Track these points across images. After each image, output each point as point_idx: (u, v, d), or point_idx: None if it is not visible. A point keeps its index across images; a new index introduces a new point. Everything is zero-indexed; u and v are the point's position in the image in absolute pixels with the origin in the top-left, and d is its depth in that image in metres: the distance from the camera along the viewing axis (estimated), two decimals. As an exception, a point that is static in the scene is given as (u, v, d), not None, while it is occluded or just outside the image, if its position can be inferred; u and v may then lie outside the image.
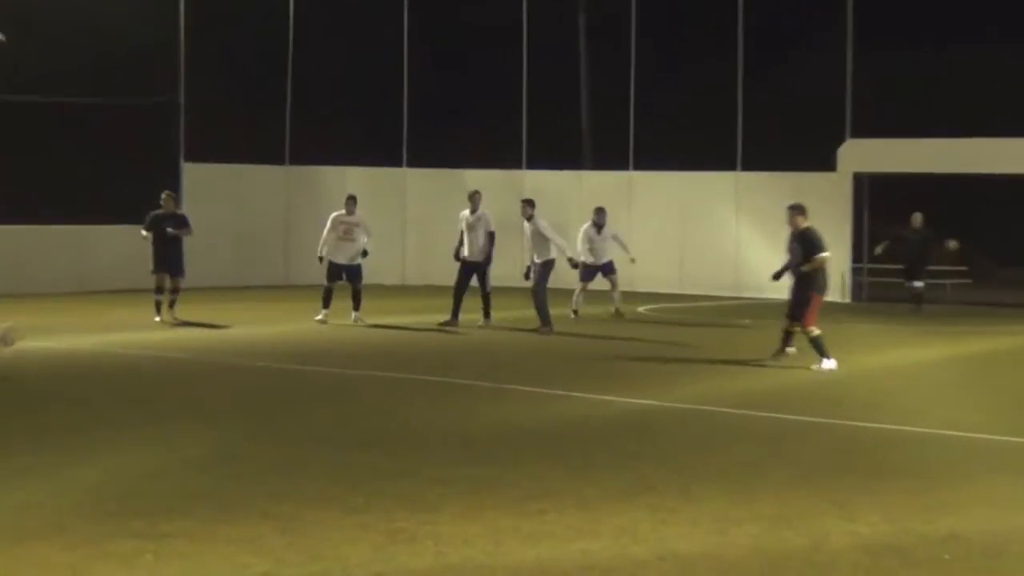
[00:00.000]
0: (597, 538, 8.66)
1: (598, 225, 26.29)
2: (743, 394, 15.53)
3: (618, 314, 25.54)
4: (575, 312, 25.47)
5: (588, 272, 25.75)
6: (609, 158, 35.95)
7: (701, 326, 24.72)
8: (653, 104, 35.44)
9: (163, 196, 24.06)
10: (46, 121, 30.27)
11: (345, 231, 23.85)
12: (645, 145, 34.18)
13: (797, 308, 18.30)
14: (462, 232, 23.72)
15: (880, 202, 33.22)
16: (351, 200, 24.16)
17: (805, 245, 18.26)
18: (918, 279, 29.02)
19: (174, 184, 31.59)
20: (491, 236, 23.61)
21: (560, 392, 15.46)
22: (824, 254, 18.22)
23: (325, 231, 23.86)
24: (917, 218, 28.97)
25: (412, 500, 9.61)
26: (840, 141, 31.79)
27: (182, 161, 32.40)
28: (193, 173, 32.51)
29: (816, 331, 18.12)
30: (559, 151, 36.61)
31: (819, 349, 18.03)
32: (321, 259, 23.83)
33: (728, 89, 33.28)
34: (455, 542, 8.49)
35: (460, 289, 23.42)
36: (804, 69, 39.68)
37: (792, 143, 34.46)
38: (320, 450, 11.70)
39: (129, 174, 29.34)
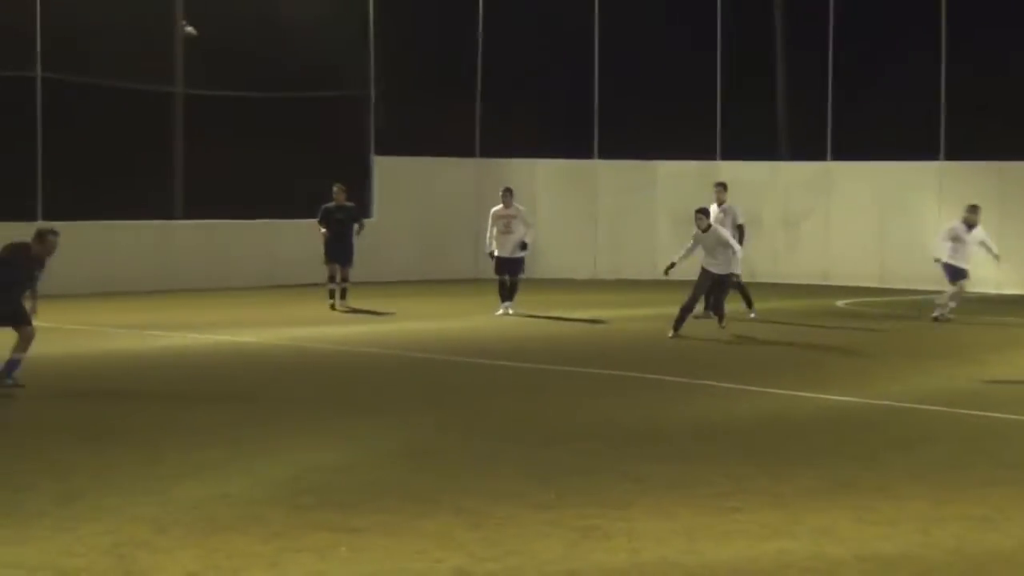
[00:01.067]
0: (794, 537, 8.64)
1: (969, 224, 24.28)
2: (943, 391, 15.30)
3: (940, 319, 23.75)
4: (938, 318, 23.77)
5: (953, 272, 24.03)
6: (806, 148, 35.56)
7: (901, 321, 24.34)
8: (852, 91, 34.97)
9: (334, 189, 25.37)
10: (237, 115, 31.00)
11: (505, 225, 24.26)
12: (844, 134, 33.75)
13: None
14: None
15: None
16: (507, 193, 24.62)
17: None
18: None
19: (365, 178, 32.21)
20: (740, 229, 23.96)
21: (754, 388, 15.39)
22: None
23: (488, 226, 24.44)
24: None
25: (604, 496, 9.68)
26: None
27: (373, 155, 32.95)
28: (384, 166, 33.04)
29: None
30: (754, 141, 36.32)
31: None
32: (491, 255, 24.27)
33: (932, 73, 32.70)
34: (649, 540, 8.54)
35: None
36: (1015, 49, 38.76)
37: (1000, 130, 33.71)
38: (509, 445, 11.84)
39: (320, 168, 29.94)
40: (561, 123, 37.03)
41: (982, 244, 24.35)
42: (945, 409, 14.05)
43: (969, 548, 8.43)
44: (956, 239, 24.00)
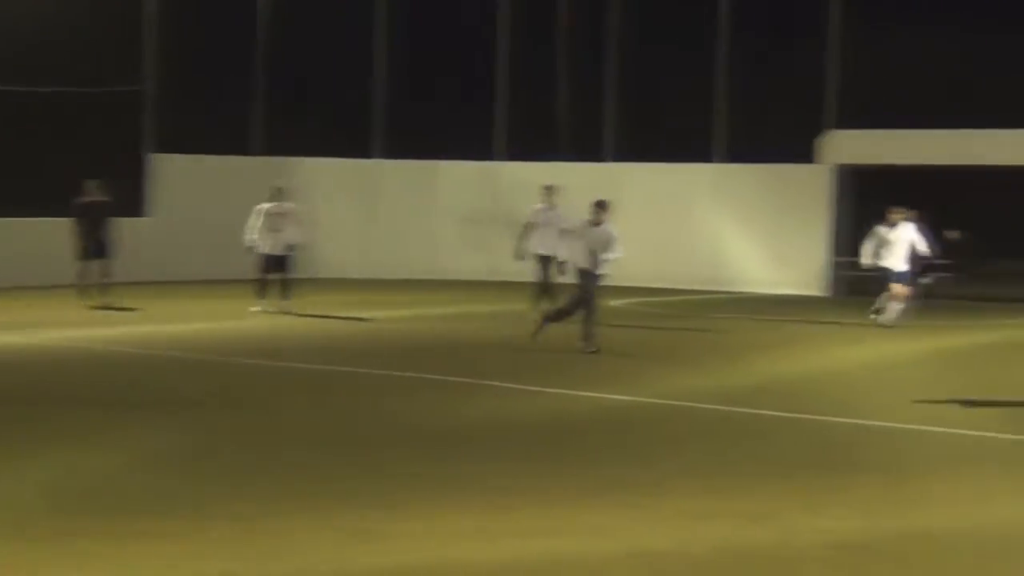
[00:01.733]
0: (565, 535, 8.75)
1: (891, 224, 24.28)
2: (716, 390, 15.64)
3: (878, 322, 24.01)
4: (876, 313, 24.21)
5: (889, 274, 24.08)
6: (587, 149, 35.99)
7: (675, 320, 24.79)
8: (632, 92, 35.49)
9: (88, 184, 25.47)
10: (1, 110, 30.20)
11: (276, 222, 24.34)
12: (624, 136, 34.24)
13: None
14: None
15: (866, 194, 33.36)
16: (279, 191, 24.77)
17: None
18: (923, 275, 29.07)
19: (139, 176, 31.68)
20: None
21: (533, 388, 15.52)
22: None
23: (254, 221, 24.50)
24: (901, 214, 29.02)
25: (379, 498, 9.68)
26: (820, 132, 31.93)
27: (149, 153, 32.41)
28: (164, 164, 32.53)
29: None
30: (535, 142, 36.62)
31: None
32: (250, 250, 24.34)
33: (708, 78, 33.38)
34: (420, 540, 8.56)
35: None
36: (786, 58, 39.78)
37: (773, 134, 34.59)
38: (286, 447, 11.76)
39: (91, 166, 29.31)
40: (345, 123, 36.90)
41: (911, 243, 24.52)
42: (717, 407, 14.35)
43: (735, 543, 8.64)
44: (882, 241, 24.24)
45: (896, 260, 24.09)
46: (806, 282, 31.27)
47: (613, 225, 19.95)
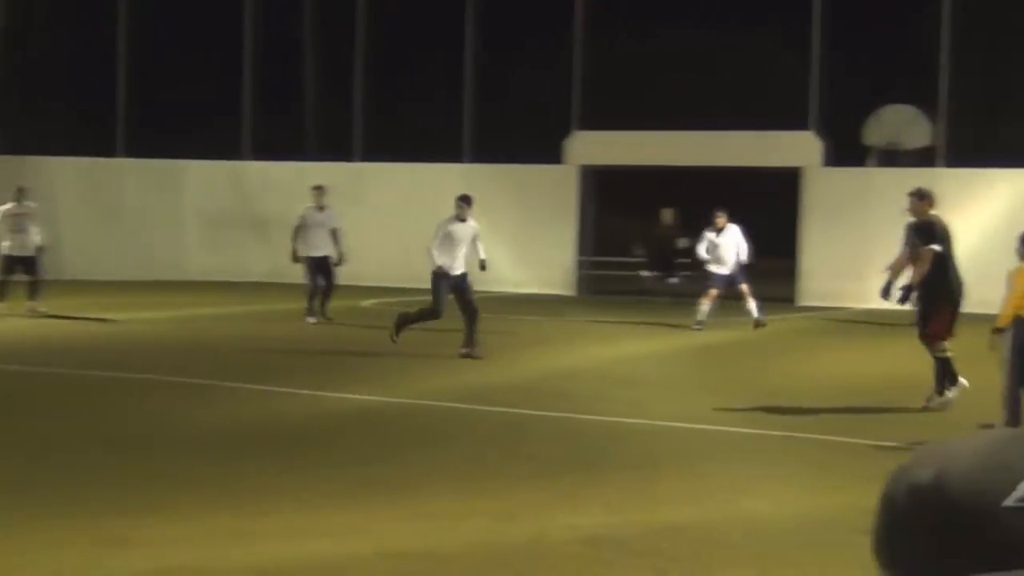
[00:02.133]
0: (318, 536, 8.67)
1: (719, 229, 24.19)
2: (471, 388, 15.71)
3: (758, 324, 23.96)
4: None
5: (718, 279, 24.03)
6: (335, 149, 35.86)
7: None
8: (379, 92, 35.48)
9: None
10: None
11: (16, 223, 23.93)
12: (373, 136, 34.20)
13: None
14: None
15: (610, 195, 33.96)
16: (20, 191, 24.33)
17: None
18: (672, 275, 29.64)
19: None
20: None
21: (281, 389, 15.39)
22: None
23: None
24: (667, 215, 29.62)
25: (129, 502, 9.46)
26: (567, 133, 32.38)
27: None
28: None
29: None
30: (283, 142, 36.36)
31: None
32: None
33: (458, 80, 33.56)
34: (174, 545, 8.39)
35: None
36: (532, 61, 40.28)
37: (521, 135, 34.97)
38: (35, 454, 11.42)
39: None
40: (86, 121, 36.08)
41: (736, 246, 24.44)
42: (470, 406, 14.41)
43: (488, 540, 8.67)
44: (711, 245, 24.15)
45: (722, 264, 24.06)
46: (554, 281, 31.65)
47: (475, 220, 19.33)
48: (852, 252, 29.30)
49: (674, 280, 29.36)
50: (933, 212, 14.76)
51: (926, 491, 1.50)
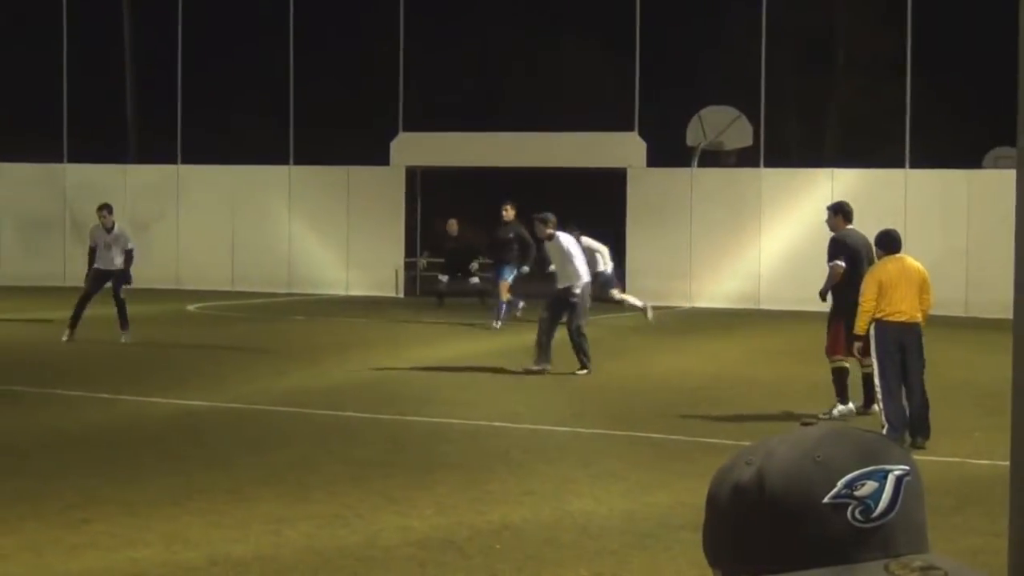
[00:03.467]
0: (146, 546, 8.58)
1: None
2: (295, 392, 15.65)
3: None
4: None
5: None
6: (155, 151, 35.41)
7: (252, 323, 24.67)
8: (202, 94, 35.14)
9: None
10: None
11: None
12: (194, 137, 33.84)
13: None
14: None
15: (436, 196, 34.04)
16: None
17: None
18: (471, 276, 29.74)
19: None
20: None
21: (105, 395, 15.17)
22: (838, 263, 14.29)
23: None
24: (453, 225, 29.79)
25: (-55, 515, 9.27)
26: (393, 135, 32.35)
27: None
28: None
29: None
30: (103, 144, 35.81)
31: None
32: None
33: (282, 80, 33.34)
34: (-8, 557, 8.26)
35: None
36: (358, 61, 40.20)
37: (347, 136, 34.90)
38: None
39: None
40: None
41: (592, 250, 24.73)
42: (297, 410, 14.36)
43: (320, 545, 8.66)
44: (589, 249, 24.22)
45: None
46: (380, 283, 31.61)
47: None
48: (677, 251, 29.72)
49: (475, 280, 29.51)
50: (849, 227, 14.21)
51: (748, 489, 1.54)
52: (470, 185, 35.59)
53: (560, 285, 18.28)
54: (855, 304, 12.87)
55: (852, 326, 13.02)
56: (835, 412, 13.95)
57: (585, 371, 17.57)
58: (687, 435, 13.00)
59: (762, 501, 1.51)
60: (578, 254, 18.59)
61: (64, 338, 20.58)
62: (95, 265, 21.54)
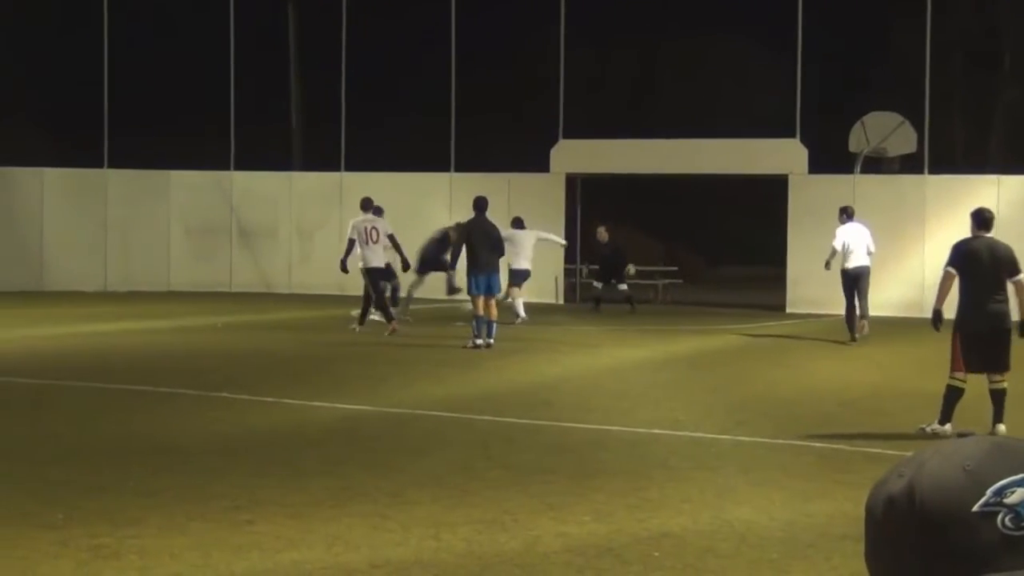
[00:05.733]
0: (309, 547, 8.66)
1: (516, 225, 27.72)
2: (455, 398, 15.71)
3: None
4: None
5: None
6: (320, 159, 35.89)
7: (413, 328, 24.82)
8: (366, 103, 35.51)
9: None
10: None
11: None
12: (358, 146, 34.22)
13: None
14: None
15: (595, 203, 34.03)
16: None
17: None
18: (621, 283, 29.88)
19: None
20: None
21: (269, 399, 15.37)
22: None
23: None
24: (603, 232, 29.96)
25: (115, 514, 9.44)
26: (553, 142, 32.39)
27: None
28: None
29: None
30: (268, 152, 36.38)
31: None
32: None
33: (443, 88, 33.58)
34: (161, 556, 8.39)
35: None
36: (518, 69, 40.32)
37: (507, 143, 35.01)
38: (15, 465, 11.39)
39: None
40: (70, 131, 36.03)
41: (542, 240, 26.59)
42: (456, 415, 14.41)
43: (480, 550, 8.66)
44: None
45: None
46: (541, 290, 31.64)
47: None
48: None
49: (623, 287, 29.68)
50: (982, 233, 13.48)
51: (899, 501, 1.54)
52: (629, 192, 35.50)
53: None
54: (971, 314, 12.81)
55: (970, 338, 12.85)
56: (928, 429, 13.34)
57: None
58: (850, 444, 12.81)
59: (912, 512, 1.51)
60: None
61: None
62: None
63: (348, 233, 24.15)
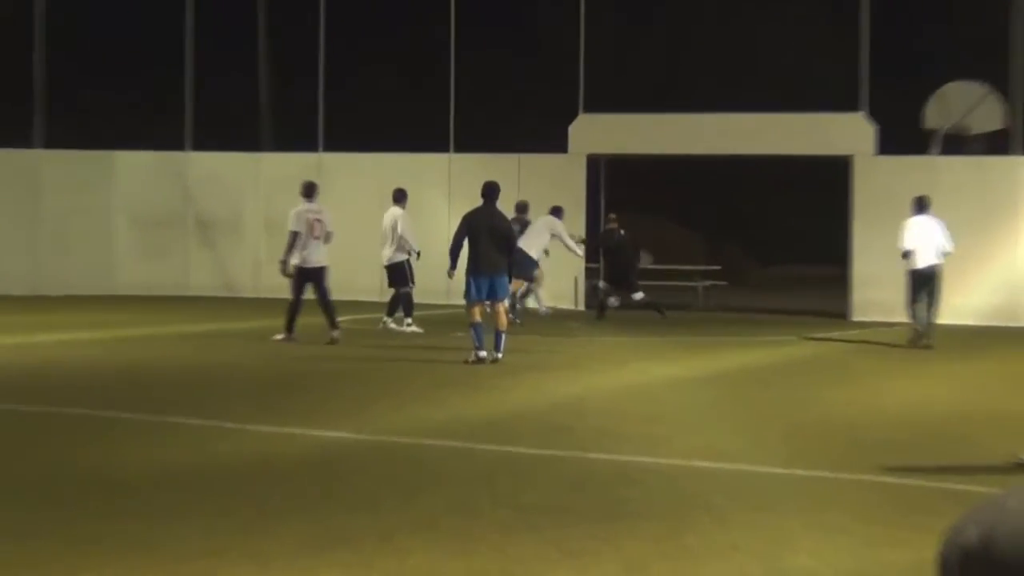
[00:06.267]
0: (280, 603, 8.62)
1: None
2: (455, 423, 15.67)
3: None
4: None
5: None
6: (294, 137, 35.90)
7: (397, 340, 24.80)
8: (350, 70, 35.52)
9: None
10: None
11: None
12: (338, 123, 34.24)
13: None
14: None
15: (623, 189, 34.00)
16: None
17: None
18: (635, 290, 29.93)
19: None
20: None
21: (231, 425, 15.34)
22: None
23: None
24: (610, 221, 30.13)
25: (49, 563, 9.40)
26: (572, 116, 32.36)
27: None
28: None
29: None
30: (231, 128, 36.39)
31: None
32: None
33: (440, 51, 33.60)
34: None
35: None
36: (530, 29, 40.31)
37: (516, 118, 35.00)
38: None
39: None
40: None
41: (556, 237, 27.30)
42: (456, 444, 14.36)
43: (483, 607, 8.61)
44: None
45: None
46: (556, 293, 31.61)
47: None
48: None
49: (638, 296, 29.74)
50: None
51: (974, 553, 1.57)
52: (663, 176, 35.44)
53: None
54: None
55: None
56: None
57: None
58: (928, 480, 12.75)
59: (987, 566, 1.50)
60: None
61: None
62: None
63: (290, 224, 24.31)
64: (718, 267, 37.29)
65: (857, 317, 30.27)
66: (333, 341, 23.66)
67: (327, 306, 24.20)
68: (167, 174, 34.21)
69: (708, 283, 35.66)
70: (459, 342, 23.69)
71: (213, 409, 16.42)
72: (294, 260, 24.07)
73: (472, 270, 21.50)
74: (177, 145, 34.39)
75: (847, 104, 30.99)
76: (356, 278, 32.40)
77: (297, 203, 24.56)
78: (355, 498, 11.72)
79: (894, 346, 24.68)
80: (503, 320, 21.65)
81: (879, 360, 23.01)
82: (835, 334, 26.95)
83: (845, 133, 30.70)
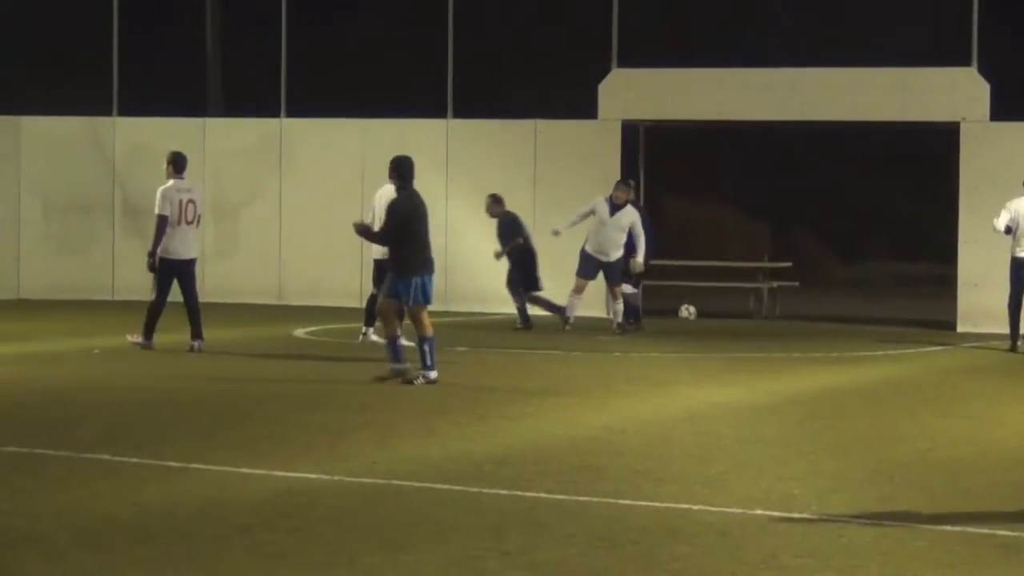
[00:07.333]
0: None
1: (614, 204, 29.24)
2: (455, 460, 15.72)
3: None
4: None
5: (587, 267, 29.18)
6: (248, 99, 35.97)
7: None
8: (319, 16, 35.62)
9: None
10: None
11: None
12: (306, 81, 34.33)
13: None
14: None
15: (666, 162, 34.07)
16: None
17: None
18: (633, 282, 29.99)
19: None
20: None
21: (172, 463, 15.39)
22: None
23: None
24: (621, 191, 30.25)
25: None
26: (604, 73, 32.39)
27: None
28: None
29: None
30: (170, 88, 36.48)
31: None
32: None
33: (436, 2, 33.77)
34: None
35: None
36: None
37: (531, 76, 35.08)
38: None
39: None
40: None
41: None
42: (457, 487, 14.40)
43: None
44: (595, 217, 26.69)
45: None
46: (585, 298, 31.68)
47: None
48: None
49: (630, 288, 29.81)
50: None
51: None
52: (717, 148, 35.53)
53: None
54: None
55: None
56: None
57: None
58: (1049, 532, 12.81)
59: None
60: None
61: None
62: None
63: (157, 206, 24.19)
64: (788, 264, 37.25)
65: (966, 328, 30.26)
66: (193, 350, 23.83)
67: (195, 308, 24.28)
68: (88, 145, 34.25)
69: (775, 284, 35.65)
70: (458, 357, 23.75)
71: (149, 444, 16.44)
72: (160, 252, 24.00)
73: (408, 267, 21.45)
74: (102, 109, 34.43)
75: (953, 57, 30.99)
76: (327, 278, 32.45)
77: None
78: (327, 554, 11.77)
79: (1014, 366, 24.70)
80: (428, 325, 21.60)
81: (994, 383, 23.02)
82: (938, 349, 26.99)
83: (951, 93, 30.69)
